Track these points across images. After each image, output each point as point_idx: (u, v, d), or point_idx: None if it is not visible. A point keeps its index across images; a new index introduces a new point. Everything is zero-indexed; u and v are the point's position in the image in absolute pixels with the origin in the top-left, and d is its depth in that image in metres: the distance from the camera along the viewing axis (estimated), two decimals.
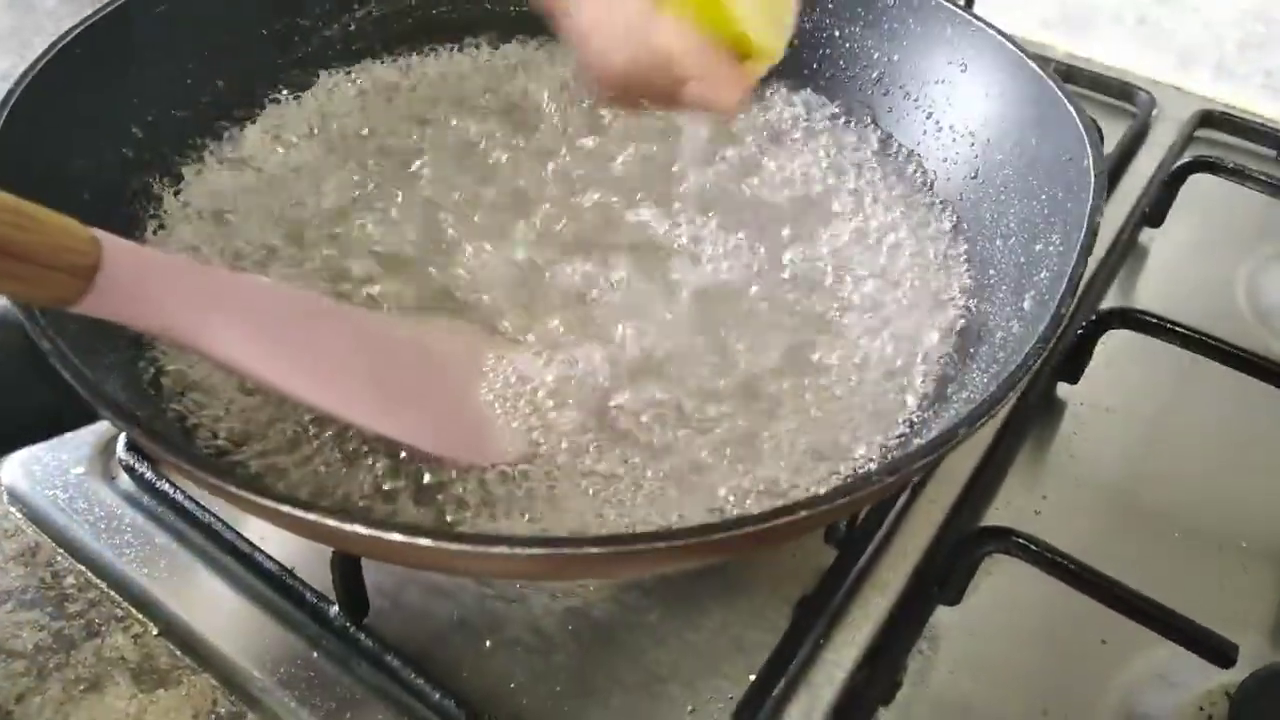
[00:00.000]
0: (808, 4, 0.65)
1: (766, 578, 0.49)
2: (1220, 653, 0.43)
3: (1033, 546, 0.46)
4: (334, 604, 0.46)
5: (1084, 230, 0.44)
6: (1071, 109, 0.51)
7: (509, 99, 0.66)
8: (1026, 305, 0.47)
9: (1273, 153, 0.80)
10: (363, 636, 0.45)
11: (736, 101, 0.43)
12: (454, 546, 0.31)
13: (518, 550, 0.31)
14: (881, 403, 0.49)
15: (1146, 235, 0.72)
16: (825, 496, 0.34)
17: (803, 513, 0.33)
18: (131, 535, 0.50)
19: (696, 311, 0.53)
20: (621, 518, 0.44)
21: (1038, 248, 0.49)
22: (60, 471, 0.52)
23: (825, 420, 0.48)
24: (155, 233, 0.53)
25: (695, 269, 0.55)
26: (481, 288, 0.53)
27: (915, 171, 0.61)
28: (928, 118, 0.61)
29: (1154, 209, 0.72)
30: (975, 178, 0.58)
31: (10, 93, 0.46)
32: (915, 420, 0.48)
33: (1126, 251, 0.70)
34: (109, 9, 0.52)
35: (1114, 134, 0.77)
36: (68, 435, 0.52)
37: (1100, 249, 0.66)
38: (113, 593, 0.48)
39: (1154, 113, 0.82)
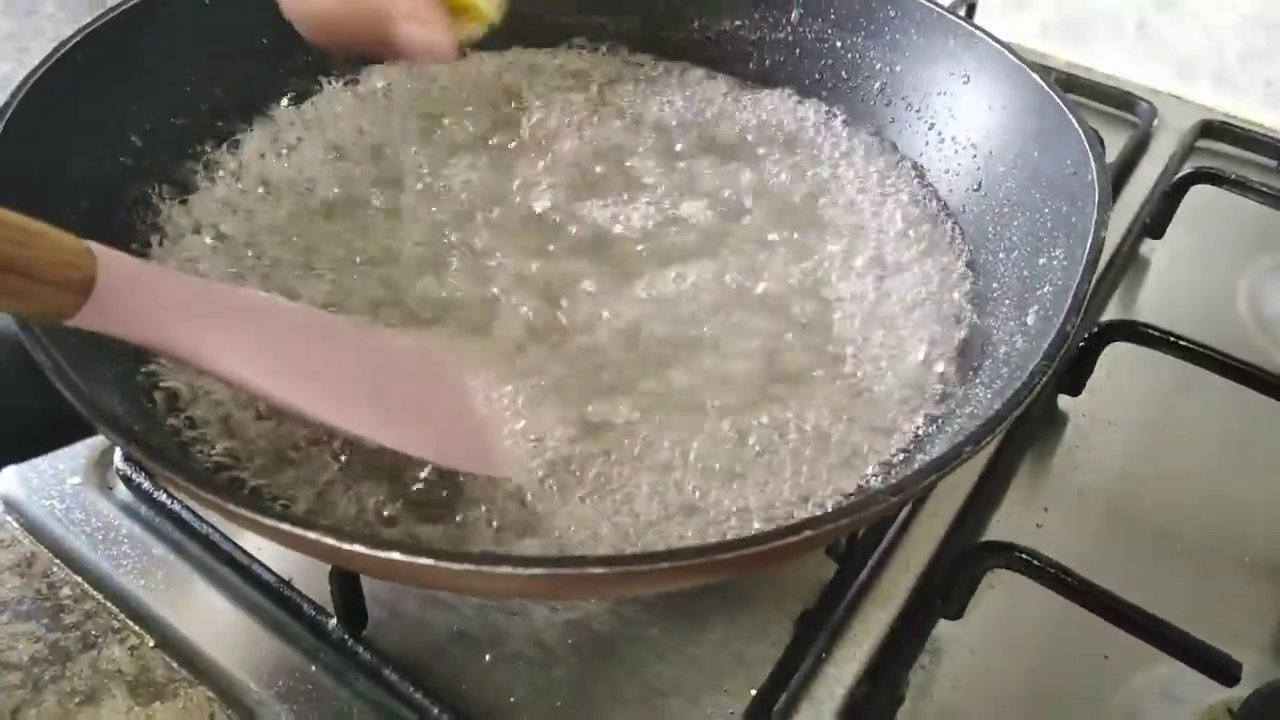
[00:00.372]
0: (810, 13, 0.65)
1: (768, 592, 0.49)
2: (1223, 669, 0.43)
3: (1035, 562, 0.46)
4: (332, 616, 0.46)
5: (1088, 245, 0.44)
6: (1075, 122, 0.50)
7: (509, 105, 0.65)
8: (1030, 320, 0.47)
9: (1274, 163, 0.80)
10: (361, 649, 0.45)
11: (446, 49, 0.43)
12: (456, 566, 0.31)
13: (520, 570, 0.31)
14: (883, 418, 0.48)
15: (1148, 246, 0.72)
16: (829, 516, 0.34)
17: (806, 533, 0.32)
18: (128, 546, 0.50)
19: (695, 323, 0.53)
20: (622, 535, 0.43)
21: (1041, 261, 0.49)
22: (57, 481, 0.52)
23: (826, 435, 0.48)
24: (153, 243, 0.53)
25: (692, 279, 0.55)
26: (484, 298, 0.53)
27: (918, 183, 0.61)
28: (930, 129, 0.61)
29: (1155, 220, 0.72)
30: (978, 190, 0.57)
31: (9, 102, 0.45)
32: (918, 435, 0.48)
33: (1128, 262, 0.70)
34: (108, 16, 0.51)
35: (1115, 144, 0.77)
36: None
37: (1102, 260, 0.66)
38: (109, 604, 0.48)
39: (1155, 122, 0.82)
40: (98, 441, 0.53)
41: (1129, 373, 0.61)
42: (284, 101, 0.61)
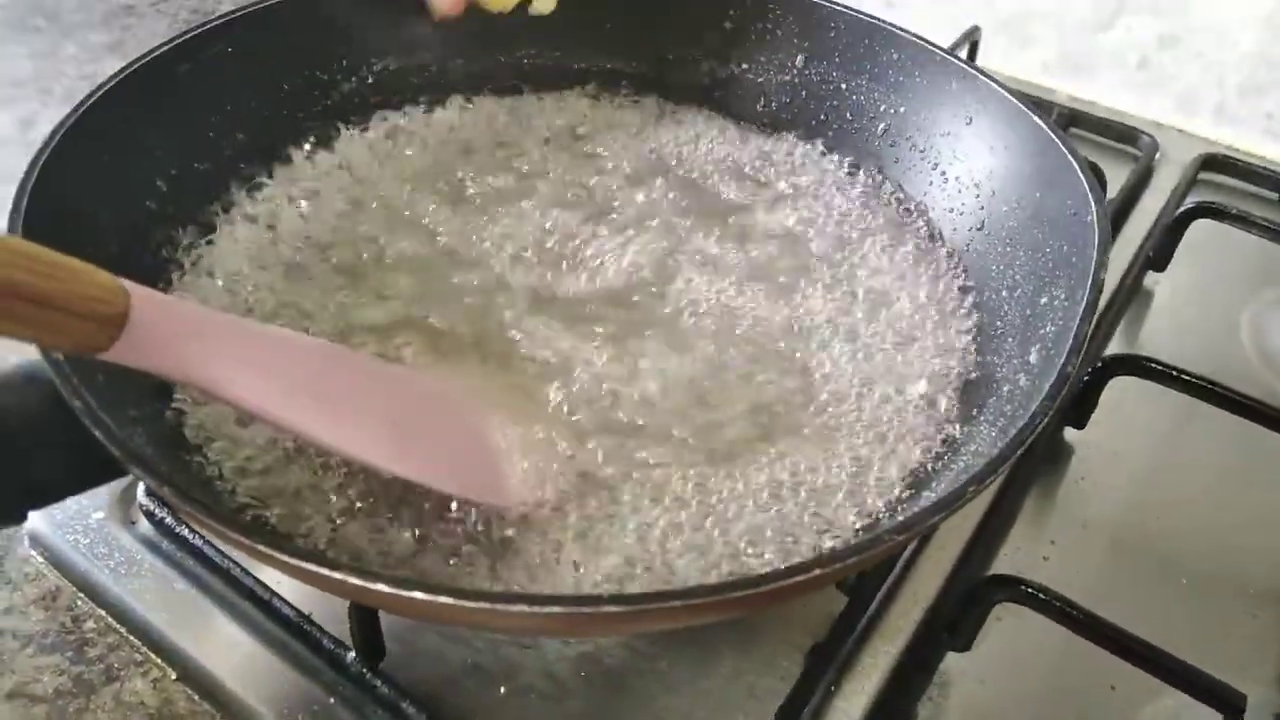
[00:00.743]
0: (816, 56, 0.67)
1: (778, 625, 0.49)
2: (1229, 702, 0.43)
3: (1042, 596, 0.47)
4: (350, 650, 0.47)
5: (1088, 286, 0.45)
6: (1075, 164, 0.52)
7: (523, 149, 0.67)
8: (1033, 359, 0.47)
9: (1275, 195, 0.81)
10: (379, 683, 0.46)
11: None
12: (475, 605, 0.32)
13: (536, 609, 0.32)
14: (889, 456, 0.49)
15: (1151, 279, 0.73)
16: (838, 554, 0.35)
17: (816, 571, 0.33)
18: (151, 580, 0.50)
19: (702, 359, 0.54)
20: (634, 573, 0.44)
21: (1043, 300, 0.50)
22: (81, 516, 0.53)
23: (833, 472, 0.48)
24: (179, 282, 0.54)
25: (700, 317, 0.56)
26: (504, 342, 0.54)
27: (922, 222, 0.62)
28: (934, 169, 0.62)
29: (1158, 253, 0.73)
30: (981, 229, 0.59)
31: (41, 149, 0.47)
32: (924, 471, 0.48)
33: (1131, 296, 0.71)
34: (134, 67, 0.53)
35: (1117, 177, 0.78)
36: None
37: (1105, 294, 0.67)
38: (132, 637, 0.49)
39: (1157, 156, 0.83)
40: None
41: (1134, 405, 0.62)
42: (305, 146, 0.63)
